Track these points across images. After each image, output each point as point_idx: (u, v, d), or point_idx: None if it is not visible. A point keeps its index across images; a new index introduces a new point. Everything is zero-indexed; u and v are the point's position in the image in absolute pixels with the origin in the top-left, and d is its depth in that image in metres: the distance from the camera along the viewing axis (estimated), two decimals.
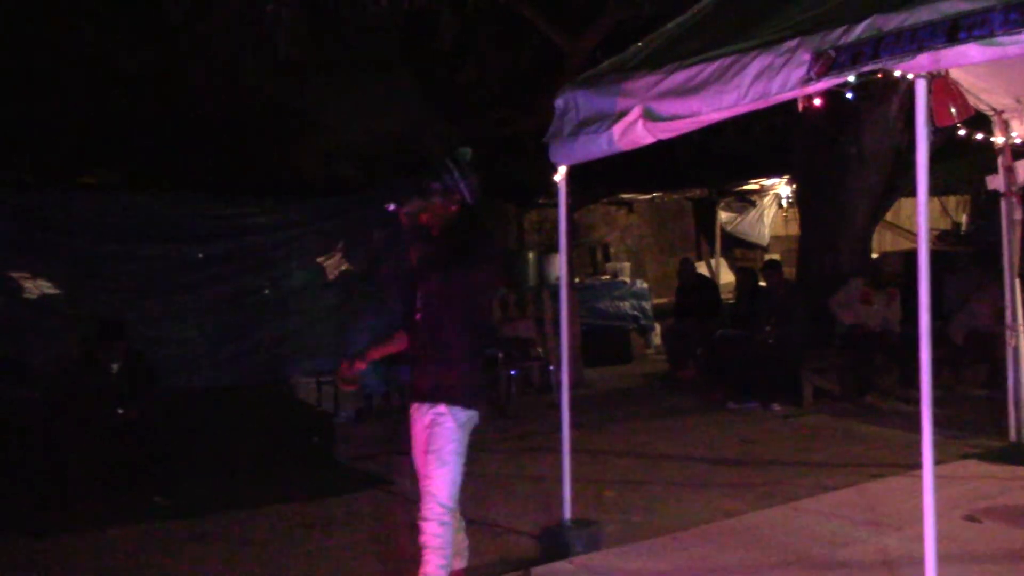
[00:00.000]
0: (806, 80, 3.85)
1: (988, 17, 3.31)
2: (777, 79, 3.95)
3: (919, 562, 3.70)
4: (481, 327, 4.03)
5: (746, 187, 16.18)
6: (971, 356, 9.84)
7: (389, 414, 9.49)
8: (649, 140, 4.71)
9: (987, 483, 6.24)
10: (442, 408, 3.84)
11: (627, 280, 14.55)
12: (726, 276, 15.97)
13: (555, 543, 5.18)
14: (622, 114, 4.73)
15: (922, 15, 3.46)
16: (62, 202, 9.13)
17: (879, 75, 3.71)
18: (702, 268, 15.30)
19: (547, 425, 7.81)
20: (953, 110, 3.86)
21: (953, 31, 3.38)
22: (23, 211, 8.72)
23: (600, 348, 12.63)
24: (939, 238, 14.50)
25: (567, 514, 5.31)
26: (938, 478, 3.66)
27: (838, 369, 9.92)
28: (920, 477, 3.67)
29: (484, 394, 4.02)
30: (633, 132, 4.71)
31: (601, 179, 11.40)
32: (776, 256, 15.11)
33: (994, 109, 6.83)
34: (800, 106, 4.28)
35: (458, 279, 3.81)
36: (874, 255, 12.83)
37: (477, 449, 7.90)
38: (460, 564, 4.06)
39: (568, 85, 5.22)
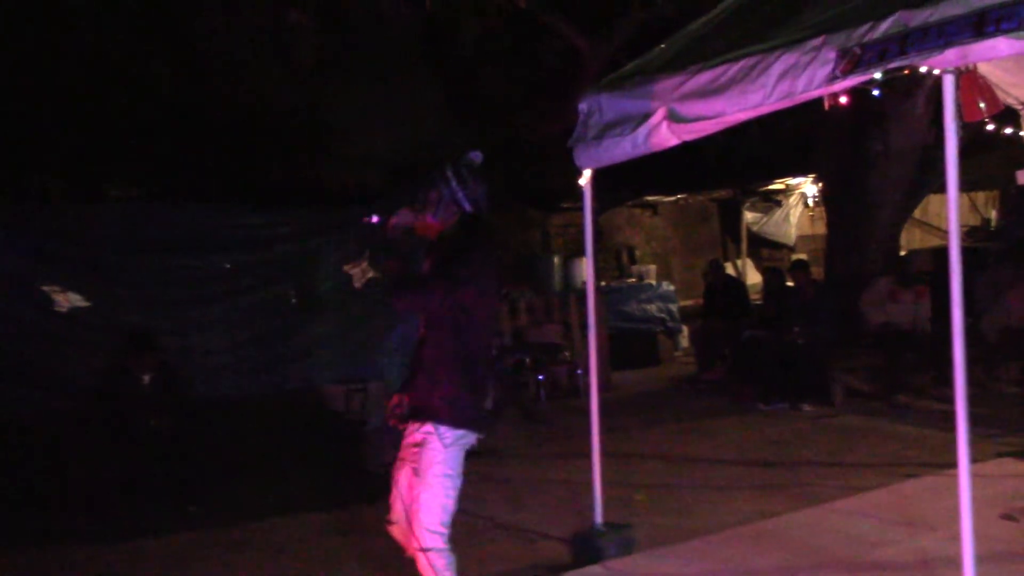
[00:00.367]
0: (832, 78, 3.81)
1: (1016, 10, 3.27)
2: (802, 78, 3.93)
3: (956, 562, 3.66)
4: (477, 344, 3.68)
5: (771, 187, 16.10)
6: (1004, 353, 9.73)
7: None
8: (674, 142, 4.69)
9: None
10: (429, 427, 3.62)
11: (653, 282, 14.50)
12: (753, 277, 15.89)
13: (587, 547, 5.18)
14: (646, 116, 4.71)
15: (949, 9, 3.42)
16: (90, 216, 9.22)
17: (905, 71, 3.67)
18: (729, 269, 15.21)
19: (576, 429, 7.80)
20: (982, 105, 3.83)
21: (980, 25, 3.34)
22: (52, 226, 8.81)
23: (627, 351, 12.59)
24: (969, 234, 14.36)
25: (598, 518, 5.29)
26: (974, 477, 3.62)
27: (869, 368, 9.84)
28: (954, 476, 3.63)
29: (480, 413, 3.70)
30: (658, 134, 4.69)
31: (626, 182, 11.38)
32: (803, 256, 15.02)
33: (1023, 103, 6.76)
34: (826, 104, 4.25)
35: (442, 297, 3.57)
36: (903, 253, 12.73)
37: (507, 455, 7.99)
38: None
39: (592, 88, 5.21)
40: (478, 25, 9.59)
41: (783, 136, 11.98)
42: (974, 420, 3.62)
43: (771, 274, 12.23)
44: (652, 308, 14.01)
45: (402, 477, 3.74)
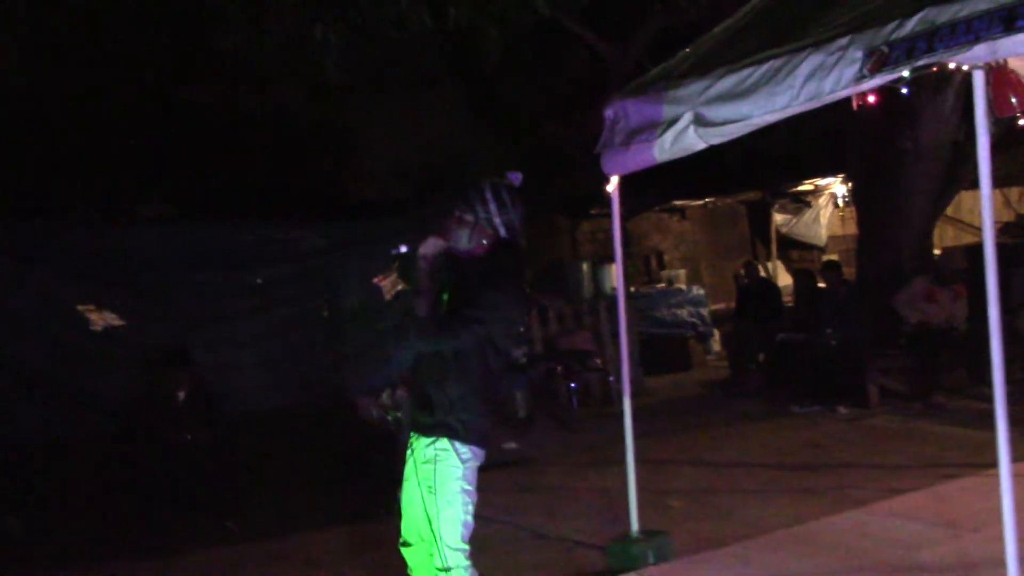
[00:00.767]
0: (859, 78, 3.78)
1: None
2: (830, 78, 3.90)
3: (1000, 564, 3.61)
4: (497, 365, 3.57)
5: (800, 188, 16.00)
6: None
7: None
8: (701, 146, 4.67)
9: None
10: (444, 444, 3.50)
11: (683, 287, 14.44)
12: (783, 279, 15.78)
13: (624, 555, 5.16)
14: (672, 121, 4.69)
15: (977, 5, 3.39)
16: (124, 235, 9.36)
17: (934, 68, 3.64)
18: (759, 272, 15.13)
19: (610, 436, 7.76)
20: (1013, 99, 3.79)
21: (1010, 20, 3.30)
22: (86, 246, 8.93)
23: (659, 356, 12.54)
24: (1002, 231, 14.18)
25: (635, 525, 5.27)
26: (1015, 476, 3.57)
27: (904, 369, 9.73)
28: (995, 476, 3.58)
29: (490, 433, 3.61)
30: (684, 139, 4.67)
31: (653, 187, 11.36)
32: (834, 256, 14.90)
33: None
34: (855, 104, 4.22)
35: (470, 341, 3.45)
36: (936, 251, 12.60)
37: (541, 463, 7.97)
38: None
39: (617, 95, 5.20)
40: (502, 35, 9.60)
41: (810, 135, 11.89)
42: (1013, 418, 3.57)
43: (802, 276, 12.13)
44: (683, 313, 13.95)
45: (413, 497, 3.66)
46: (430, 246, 3.57)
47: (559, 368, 10.60)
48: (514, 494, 6.95)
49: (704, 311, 14.18)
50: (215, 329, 9.33)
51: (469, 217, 3.54)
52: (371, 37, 9.05)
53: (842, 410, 9.25)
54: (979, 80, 3.57)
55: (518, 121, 12.27)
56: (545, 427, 9.60)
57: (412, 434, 3.70)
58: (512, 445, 8.64)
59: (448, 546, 3.47)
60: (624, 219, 5.28)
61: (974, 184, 3.82)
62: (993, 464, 3.59)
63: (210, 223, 9.99)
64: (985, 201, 3.59)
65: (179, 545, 6.26)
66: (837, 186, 15.63)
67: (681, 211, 17.04)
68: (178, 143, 10.72)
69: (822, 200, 16.84)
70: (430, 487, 3.53)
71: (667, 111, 4.74)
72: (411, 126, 11.06)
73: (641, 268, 16.24)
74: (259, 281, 9.77)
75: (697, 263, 17.24)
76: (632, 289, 13.41)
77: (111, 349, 8.71)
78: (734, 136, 4.61)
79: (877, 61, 3.70)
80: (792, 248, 17.80)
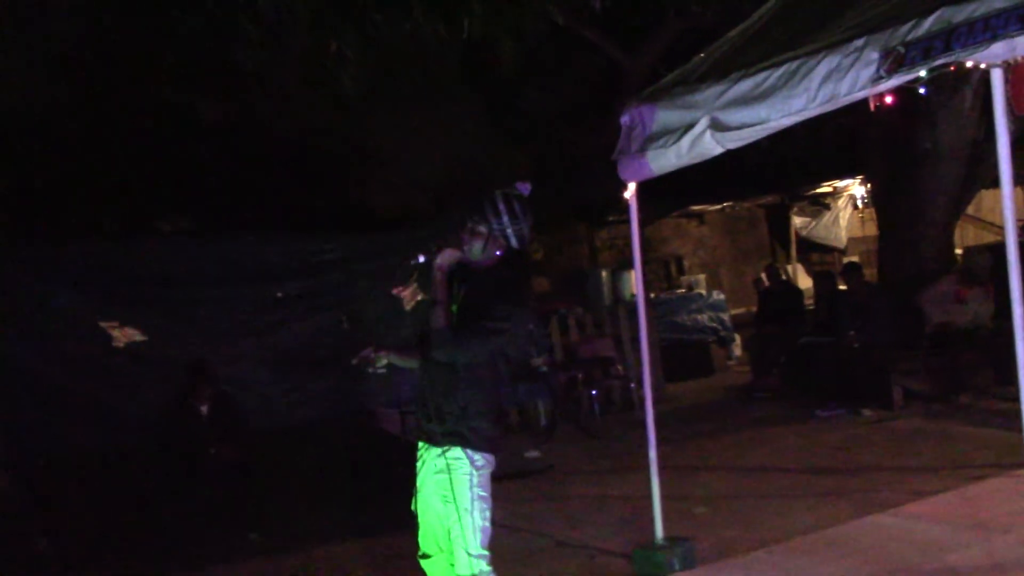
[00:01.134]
0: (876, 79, 3.77)
1: None
2: (846, 80, 3.89)
3: None
4: (507, 372, 3.65)
5: (819, 190, 15.93)
6: None
7: None
8: (718, 151, 4.66)
9: None
10: (458, 452, 3.52)
11: (703, 292, 14.40)
12: (803, 282, 15.71)
13: (649, 562, 5.14)
14: (689, 126, 4.69)
15: (994, 3, 3.38)
16: (145, 251, 9.42)
17: (951, 68, 3.62)
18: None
19: (632, 443, 7.76)
20: None
21: None
22: (109, 262, 9.00)
23: (680, 362, 12.50)
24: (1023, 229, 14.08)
25: (659, 532, 5.25)
26: None
27: (928, 370, 9.65)
28: (1023, 477, 3.55)
29: (500, 439, 3.66)
30: (701, 144, 4.66)
31: (671, 192, 11.33)
32: (854, 258, 14.82)
33: None
34: (872, 105, 4.21)
35: (485, 353, 3.53)
36: (957, 250, 12.51)
37: (564, 471, 7.96)
38: None
39: (633, 101, 5.19)
40: (517, 44, 9.62)
41: (828, 137, 11.84)
42: None
43: (822, 278, 12.06)
44: (703, 318, 13.92)
45: (428, 508, 3.65)
46: (446, 257, 3.58)
47: (580, 376, 10.59)
48: (537, 502, 6.94)
49: (725, 316, 14.13)
50: (236, 343, 9.37)
51: (483, 229, 3.57)
52: (386, 50, 9.09)
53: (866, 412, 9.18)
54: (997, 78, 3.56)
55: (535, 129, 12.28)
56: (567, 435, 9.59)
57: (421, 444, 3.70)
58: (534, 453, 8.64)
59: (471, 554, 3.48)
60: (642, 225, 5.25)
61: (995, 182, 3.80)
62: (1021, 465, 3.57)
63: (230, 237, 10.05)
64: (1006, 199, 3.57)
65: (203, 558, 6.28)
66: (856, 187, 15.55)
67: (699, 216, 17.02)
68: (197, 158, 10.79)
69: (841, 202, 16.78)
70: (445, 497, 3.53)
71: (684, 116, 4.74)
72: (429, 137, 11.08)
73: (660, 274, 16.22)
74: (279, 295, 9.81)
75: (716, 268, 17.20)
76: (652, 295, 13.37)
77: (134, 365, 8.77)
78: (751, 140, 4.60)
79: (894, 62, 3.69)
80: (812, 251, 17.74)
